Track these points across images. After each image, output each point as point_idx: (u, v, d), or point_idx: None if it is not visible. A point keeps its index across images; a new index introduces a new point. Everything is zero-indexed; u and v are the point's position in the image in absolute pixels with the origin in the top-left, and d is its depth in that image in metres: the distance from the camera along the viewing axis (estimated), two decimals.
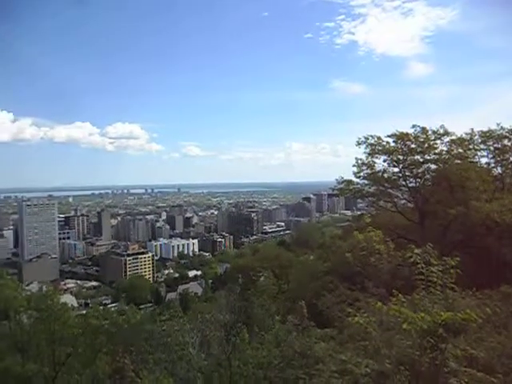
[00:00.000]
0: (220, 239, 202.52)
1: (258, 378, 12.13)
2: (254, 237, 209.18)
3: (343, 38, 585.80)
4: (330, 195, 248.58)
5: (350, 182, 27.36)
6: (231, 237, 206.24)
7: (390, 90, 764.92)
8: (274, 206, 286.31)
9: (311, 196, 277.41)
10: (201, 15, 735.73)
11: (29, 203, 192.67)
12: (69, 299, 70.06)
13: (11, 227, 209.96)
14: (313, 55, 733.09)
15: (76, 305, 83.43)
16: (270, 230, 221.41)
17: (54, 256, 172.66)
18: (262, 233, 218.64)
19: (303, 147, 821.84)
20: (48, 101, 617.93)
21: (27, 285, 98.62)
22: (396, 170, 25.71)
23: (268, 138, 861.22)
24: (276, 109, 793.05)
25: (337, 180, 27.79)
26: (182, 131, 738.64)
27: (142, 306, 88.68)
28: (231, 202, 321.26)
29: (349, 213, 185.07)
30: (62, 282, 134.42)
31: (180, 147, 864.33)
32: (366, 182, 27.11)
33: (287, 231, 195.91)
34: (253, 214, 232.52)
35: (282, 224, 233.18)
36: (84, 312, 19.99)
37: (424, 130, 24.55)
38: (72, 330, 15.39)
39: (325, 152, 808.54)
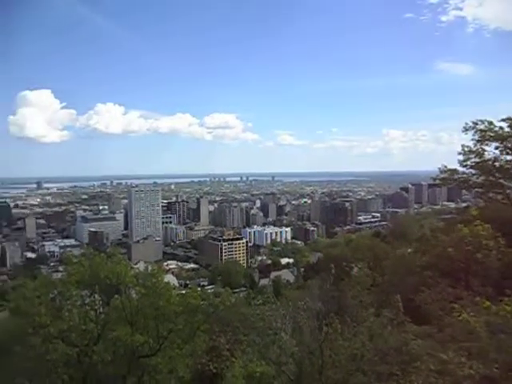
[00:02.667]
0: (312, 228, 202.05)
1: (350, 370, 11.96)
2: (348, 227, 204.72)
3: (449, 14, 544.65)
4: (430, 185, 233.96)
5: (454, 171, 25.46)
6: (324, 226, 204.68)
7: (503, 69, 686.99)
8: (370, 196, 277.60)
9: (409, 186, 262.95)
10: (297, 1, 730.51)
11: (137, 189, 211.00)
12: (171, 279, 75.25)
13: (122, 211, 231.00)
14: (414, 36, 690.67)
15: (177, 284, 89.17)
16: (364, 221, 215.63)
17: (157, 238, 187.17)
18: (356, 223, 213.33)
19: (402, 135, 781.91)
20: (153, 94, 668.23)
21: (135, 263, 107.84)
22: (510, 158, 23.33)
23: (364, 126, 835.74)
24: (373, 95, 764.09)
25: (439, 169, 26.03)
26: (276, 120, 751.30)
27: (236, 290, 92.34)
28: (324, 191, 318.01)
29: (452, 205, 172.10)
30: (165, 263, 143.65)
31: (274, 136, 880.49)
32: (473, 171, 24.95)
33: (383, 222, 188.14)
34: (346, 204, 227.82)
35: (378, 215, 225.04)
36: (184, 292, 21.30)
37: None
38: (174, 307, 16.49)
39: (425, 139, 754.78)
